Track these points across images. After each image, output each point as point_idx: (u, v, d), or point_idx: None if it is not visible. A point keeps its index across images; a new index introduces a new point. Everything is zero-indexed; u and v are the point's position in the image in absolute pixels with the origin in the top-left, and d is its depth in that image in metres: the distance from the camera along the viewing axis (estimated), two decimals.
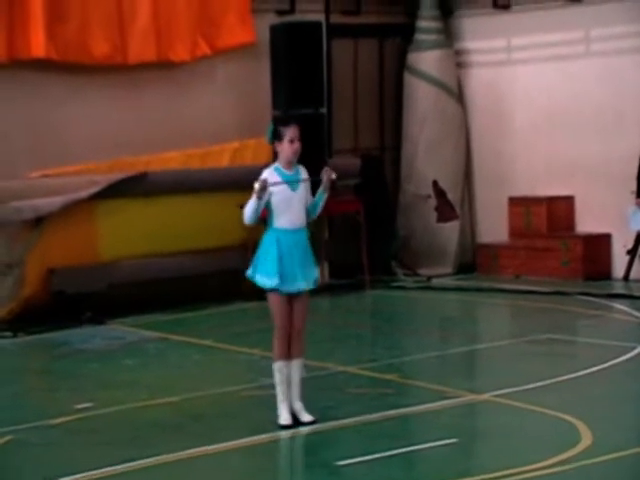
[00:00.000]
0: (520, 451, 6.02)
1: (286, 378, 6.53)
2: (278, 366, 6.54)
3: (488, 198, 13.28)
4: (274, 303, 6.55)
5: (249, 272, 6.63)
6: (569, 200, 12.70)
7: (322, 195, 6.65)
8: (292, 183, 6.52)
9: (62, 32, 10.90)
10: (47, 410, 7.11)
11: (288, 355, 6.54)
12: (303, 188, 6.59)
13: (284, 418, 6.48)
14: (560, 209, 12.66)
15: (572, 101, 12.61)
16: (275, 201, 6.50)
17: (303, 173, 6.63)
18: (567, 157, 12.62)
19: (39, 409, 7.28)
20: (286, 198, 6.50)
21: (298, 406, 6.56)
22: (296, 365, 6.58)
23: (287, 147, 6.52)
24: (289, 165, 6.57)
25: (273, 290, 6.52)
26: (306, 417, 6.53)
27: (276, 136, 6.56)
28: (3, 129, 10.56)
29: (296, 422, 6.49)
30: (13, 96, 10.69)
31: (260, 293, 11.28)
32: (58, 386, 8.03)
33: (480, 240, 13.31)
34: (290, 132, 6.54)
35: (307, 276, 6.60)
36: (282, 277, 6.47)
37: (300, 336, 6.62)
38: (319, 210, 6.71)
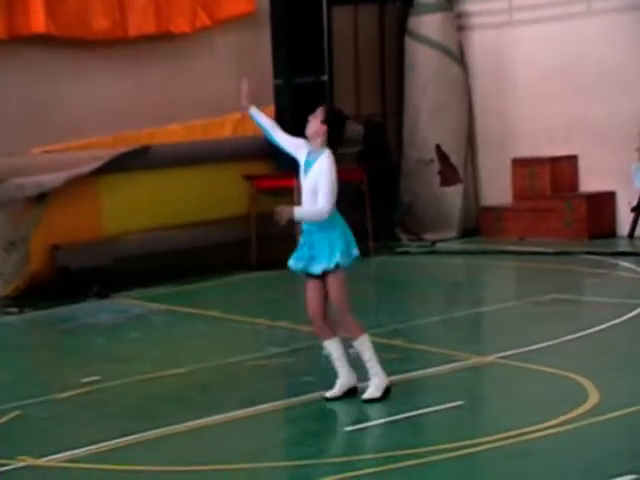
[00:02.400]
0: (527, 411, 6.03)
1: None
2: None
3: (491, 161, 13.24)
4: (344, 280, 6.44)
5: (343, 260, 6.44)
6: (572, 160, 12.66)
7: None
8: (305, 168, 6.41)
9: (62, 7, 10.86)
10: (54, 384, 7.13)
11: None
12: (313, 177, 6.41)
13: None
14: (563, 169, 12.62)
15: (574, 61, 12.54)
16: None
17: (320, 159, 6.40)
18: (570, 117, 12.56)
19: (46, 384, 7.30)
20: (301, 182, 6.43)
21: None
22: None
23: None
24: (310, 142, 6.45)
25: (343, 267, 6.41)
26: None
27: None
28: (4, 106, 10.54)
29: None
30: (14, 72, 10.66)
31: (263, 264, 11.29)
32: (64, 361, 8.06)
33: (484, 203, 13.28)
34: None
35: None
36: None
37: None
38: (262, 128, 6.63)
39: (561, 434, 5.56)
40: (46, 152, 10.69)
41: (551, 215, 12.39)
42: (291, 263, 6.50)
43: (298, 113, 11.68)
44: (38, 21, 10.70)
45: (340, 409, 6.33)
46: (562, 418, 5.76)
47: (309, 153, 6.42)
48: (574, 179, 12.69)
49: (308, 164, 6.42)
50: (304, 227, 6.47)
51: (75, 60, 11.11)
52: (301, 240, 6.47)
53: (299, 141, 6.46)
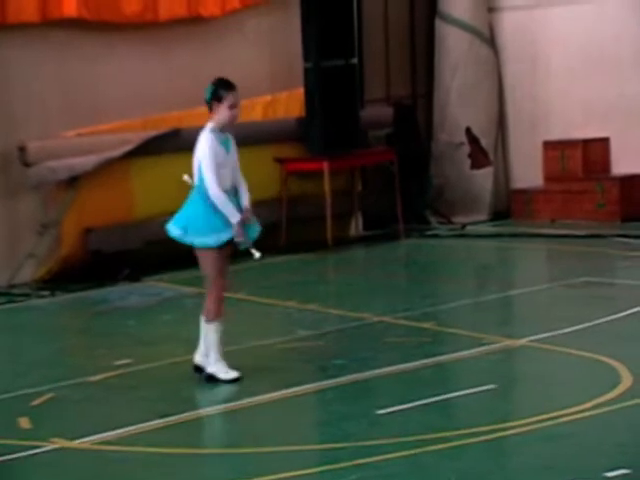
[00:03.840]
0: (559, 395, 6.01)
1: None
2: (218, 326, 6.57)
3: (522, 143, 13.16)
4: (213, 261, 6.50)
5: (182, 234, 6.56)
6: (604, 142, 12.56)
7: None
8: (228, 147, 6.48)
9: None
10: (87, 367, 7.19)
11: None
12: (233, 152, 6.55)
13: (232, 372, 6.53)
14: (595, 151, 12.52)
15: (607, 42, 12.42)
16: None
17: (231, 138, 6.56)
18: (602, 99, 12.45)
19: (79, 366, 7.36)
20: (222, 161, 6.45)
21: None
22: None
23: (226, 112, 6.43)
24: (223, 130, 6.49)
25: (212, 247, 6.46)
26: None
27: (215, 97, 6.47)
28: (36, 89, 10.58)
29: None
30: (46, 56, 10.69)
31: (293, 246, 11.33)
32: (97, 343, 8.11)
33: (515, 186, 13.21)
34: (231, 97, 6.45)
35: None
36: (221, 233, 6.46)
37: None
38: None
39: (594, 417, 5.54)
40: (78, 135, 10.73)
41: (583, 197, 12.31)
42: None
43: (327, 96, 11.69)
44: (70, 5, 10.73)
45: (372, 391, 6.33)
46: (594, 402, 5.74)
47: (217, 137, 6.48)
48: (606, 161, 12.59)
49: (224, 142, 6.49)
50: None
51: (106, 44, 11.13)
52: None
53: (214, 153, 6.46)
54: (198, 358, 6.69)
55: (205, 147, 6.46)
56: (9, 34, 10.42)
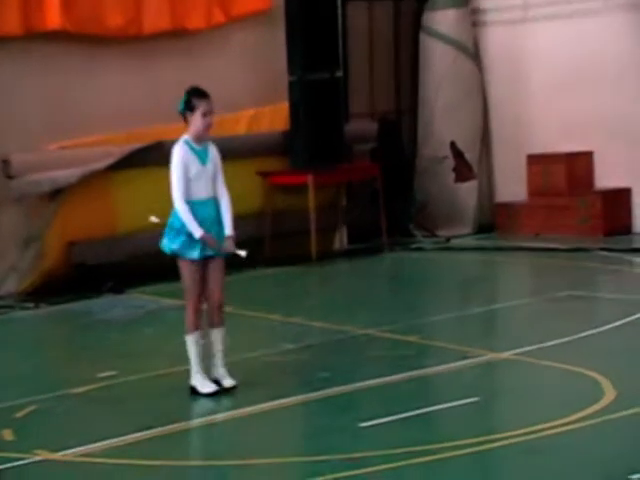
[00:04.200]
0: (543, 408, 6.02)
1: (202, 349, 6.53)
2: (195, 337, 6.53)
3: (506, 157, 13.22)
4: (189, 272, 6.49)
5: (166, 244, 6.53)
6: (588, 156, 12.62)
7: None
8: (203, 158, 6.45)
9: (77, 4, 10.87)
10: (69, 379, 7.16)
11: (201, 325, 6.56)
12: (212, 163, 6.49)
13: (208, 386, 6.51)
14: (579, 166, 12.58)
15: (589, 57, 12.50)
16: (189, 175, 6.42)
17: (212, 149, 6.53)
18: (585, 114, 12.52)
19: (62, 378, 7.33)
20: (197, 172, 6.41)
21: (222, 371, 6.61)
22: (218, 333, 6.60)
23: (199, 121, 6.40)
24: (199, 140, 6.47)
25: (189, 259, 6.45)
26: (228, 382, 6.56)
27: (188, 107, 6.42)
28: (19, 102, 10.56)
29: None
30: (29, 68, 10.68)
31: (277, 260, 11.32)
32: (80, 356, 8.09)
33: (499, 199, 13.26)
34: (204, 105, 6.41)
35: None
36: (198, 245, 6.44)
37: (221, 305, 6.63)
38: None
39: (576, 431, 5.55)
40: (61, 148, 10.71)
41: (566, 212, 12.36)
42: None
43: (312, 109, 11.71)
44: (53, 17, 10.72)
45: (355, 404, 6.33)
46: (578, 415, 5.74)
47: (192, 148, 6.46)
48: (589, 176, 12.65)
49: (199, 153, 6.46)
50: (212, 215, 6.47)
51: (90, 56, 11.13)
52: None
53: (184, 165, 6.43)
54: (213, 372, 6.63)
55: (174, 159, 6.45)
56: None
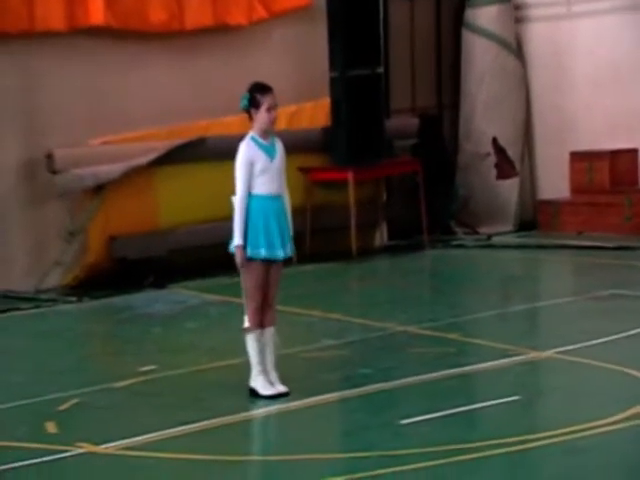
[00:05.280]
0: (585, 407, 5.97)
1: (262, 348, 6.41)
2: (256, 335, 6.42)
3: (549, 154, 13.12)
4: (253, 272, 6.39)
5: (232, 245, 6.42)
6: (632, 153, 12.49)
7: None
8: (271, 153, 6.41)
9: (120, 0, 10.95)
10: (111, 373, 7.22)
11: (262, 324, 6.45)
12: (279, 159, 6.46)
13: (268, 388, 6.41)
14: (623, 163, 12.45)
15: (633, 53, 12.38)
16: (256, 170, 6.37)
17: (279, 145, 6.48)
18: (630, 110, 12.39)
19: (104, 372, 7.39)
20: (265, 167, 6.37)
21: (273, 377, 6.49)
22: (269, 334, 6.47)
23: (264, 115, 6.34)
24: (266, 134, 6.42)
25: (254, 259, 6.36)
26: (281, 388, 6.44)
27: (252, 103, 6.36)
28: (64, 97, 10.65)
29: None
30: (72, 64, 10.76)
31: (317, 256, 11.29)
32: (122, 350, 8.15)
33: (541, 197, 13.17)
34: (268, 100, 6.36)
35: (285, 244, 6.45)
36: (265, 244, 6.36)
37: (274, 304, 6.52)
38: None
39: (618, 431, 5.50)
40: (104, 143, 10.79)
41: (610, 210, 12.24)
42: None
43: (353, 106, 11.69)
44: (97, 13, 10.79)
45: (396, 402, 6.32)
46: (620, 415, 5.69)
47: (259, 143, 6.40)
48: (634, 173, 12.52)
49: (267, 148, 6.41)
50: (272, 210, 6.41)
51: (133, 52, 11.19)
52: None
53: (249, 163, 6.39)
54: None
55: (239, 157, 6.41)
56: (36, 43, 10.51)
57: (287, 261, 6.54)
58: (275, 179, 6.44)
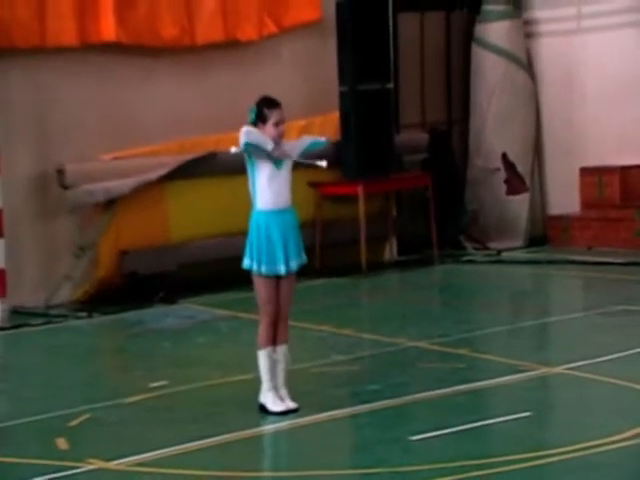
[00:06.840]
0: (596, 424, 5.96)
1: (272, 365, 6.39)
2: (267, 352, 6.40)
3: (559, 169, 13.10)
4: (264, 287, 6.37)
5: (245, 262, 6.41)
6: None
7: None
8: (278, 163, 6.36)
9: (131, 16, 11.00)
10: (122, 388, 7.23)
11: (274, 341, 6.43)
12: (287, 168, 6.42)
13: (278, 404, 6.39)
14: (634, 178, 12.43)
15: None
16: (260, 180, 6.35)
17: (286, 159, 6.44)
18: (639, 125, 12.38)
19: (114, 387, 7.40)
20: (270, 176, 6.36)
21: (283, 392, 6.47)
22: (281, 351, 6.45)
23: (272, 130, 6.32)
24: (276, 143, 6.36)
25: (261, 274, 6.34)
26: (291, 404, 6.42)
27: (260, 117, 6.35)
28: (75, 112, 10.69)
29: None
30: (84, 79, 10.81)
31: (327, 270, 11.30)
32: (132, 365, 8.16)
33: (551, 212, 13.15)
34: (275, 115, 6.34)
35: (294, 257, 6.42)
36: (269, 259, 6.33)
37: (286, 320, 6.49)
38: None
39: (630, 448, 5.49)
40: (115, 158, 10.82)
41: (620, 225, 12.22)
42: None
43: (363, 120, 11.71)
44: (108, 29, 10.85)
45: (406, 417, 6.31)
46: (631, 432, 5.68)
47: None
48: None
49: (276, 161, 6.40)
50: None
51: (144, 67, 11.24)
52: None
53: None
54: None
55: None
56: (48, 58, 10.57)
57: (300, 271, 6.52)
58: (282, 191, 6.41)
